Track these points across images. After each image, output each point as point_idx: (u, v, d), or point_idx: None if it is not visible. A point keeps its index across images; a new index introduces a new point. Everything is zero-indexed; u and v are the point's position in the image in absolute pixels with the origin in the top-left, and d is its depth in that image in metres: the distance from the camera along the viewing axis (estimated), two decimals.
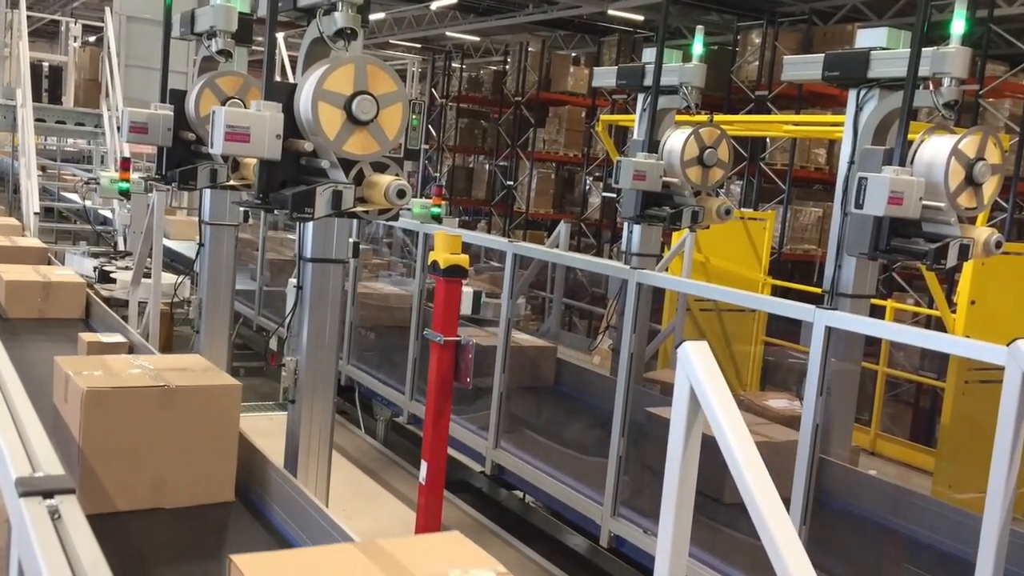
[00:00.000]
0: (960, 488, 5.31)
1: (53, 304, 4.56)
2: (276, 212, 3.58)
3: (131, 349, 3.97)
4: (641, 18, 14.83)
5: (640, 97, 6.45)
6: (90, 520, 1.39)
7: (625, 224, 6.48)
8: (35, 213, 7.97)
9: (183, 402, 2.50)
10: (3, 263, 4.91)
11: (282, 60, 11.39)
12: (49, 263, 5.77)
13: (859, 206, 4.05)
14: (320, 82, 3.28)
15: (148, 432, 2.45)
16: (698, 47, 5.96)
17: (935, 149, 4.17)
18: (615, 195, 8.02)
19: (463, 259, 4.16)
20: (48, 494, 1.45)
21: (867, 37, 4.63)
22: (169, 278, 6.50)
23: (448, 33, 18.55)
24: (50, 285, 4.54)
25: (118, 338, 4.03)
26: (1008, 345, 2.78)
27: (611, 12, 13.61)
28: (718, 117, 6.33)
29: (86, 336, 3.98)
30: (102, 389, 2.43)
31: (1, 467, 1.58)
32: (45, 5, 19.50)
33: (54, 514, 1.40)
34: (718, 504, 4.24)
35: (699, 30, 6.01)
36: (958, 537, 3.97)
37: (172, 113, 4.90)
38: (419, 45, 20.96)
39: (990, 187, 4.24)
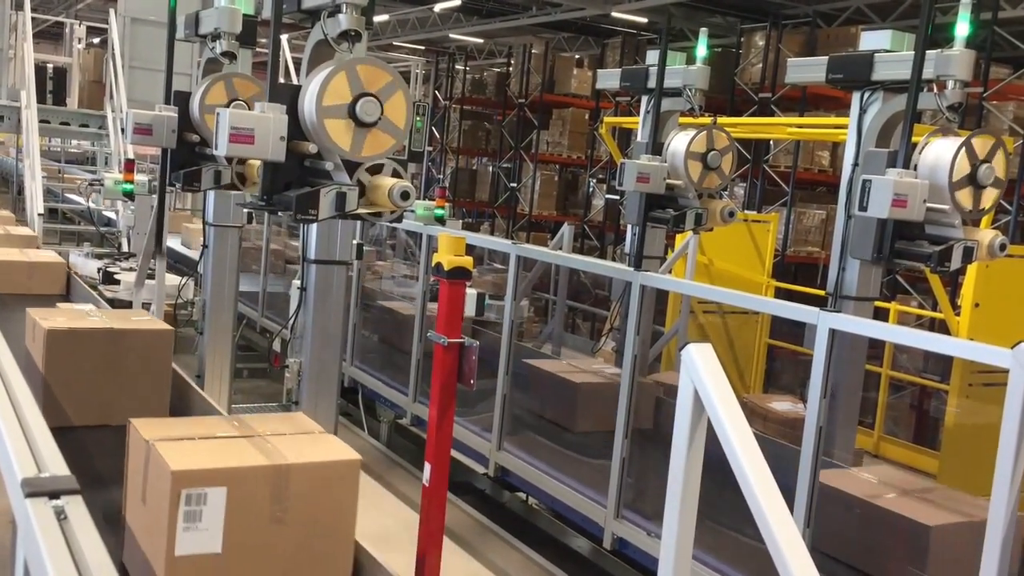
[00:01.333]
0: (964, 490, 5.29)
1: (37, 281, 5.04)
2: (280, 214, 3.59)
3: None
4: (645, 20, 14.84)
5: (644, 99, 6.45)
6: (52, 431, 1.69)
7: (628, 226, 6.48)
8: (39, 214, 7.99)
9: (125, 342, 3.10)
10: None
11: (286, 62, 11.41)
12: (68, 284, 5.91)
13: (863, 208, 4.05)
14: (319, 101, 3.28)
15: (93, 360, 3.04)
16: (702, 49, 5.95)
17: (939, 151, 4.16)
18: (618, 197, 8.03)
19: (467, 261, 4.16)
20: (54, 495, 1.45)
21: (871, 39, 4.62)
22: (173, 279, 6.51)
23: (452, 35, 18.57)
24: (34, 265, 5.06)
25: (89, 306, 4.20)
26: (1012, 348, 2.78)
27: (615, 14, 13.62)
28: (722, 119, 6.33)
29: (63, 305, 4.15)
30: (61, 330, 3.05)
31: (7, 468, 1.58)
32: (50, 7, 19.54)
33: (60, 515, 1.41)
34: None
35: (703, 32, 6.01)
36: None
37: (176, 115, 4.91)
38: (423, 47, 20.98)
39: (991, 192, 4.24)
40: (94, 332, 3.07)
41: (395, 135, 3.40)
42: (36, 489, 1.46)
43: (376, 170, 3.50)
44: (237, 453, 2.18)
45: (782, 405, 5.66)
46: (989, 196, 4.23)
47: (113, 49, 10.04)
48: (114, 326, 3.19)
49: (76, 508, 1.42)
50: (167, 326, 3.47)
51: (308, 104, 3.38)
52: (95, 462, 2.68)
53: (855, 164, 4.60)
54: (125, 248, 8.85)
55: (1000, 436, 2.78)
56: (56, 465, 1.58)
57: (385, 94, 3.36)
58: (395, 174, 3.52)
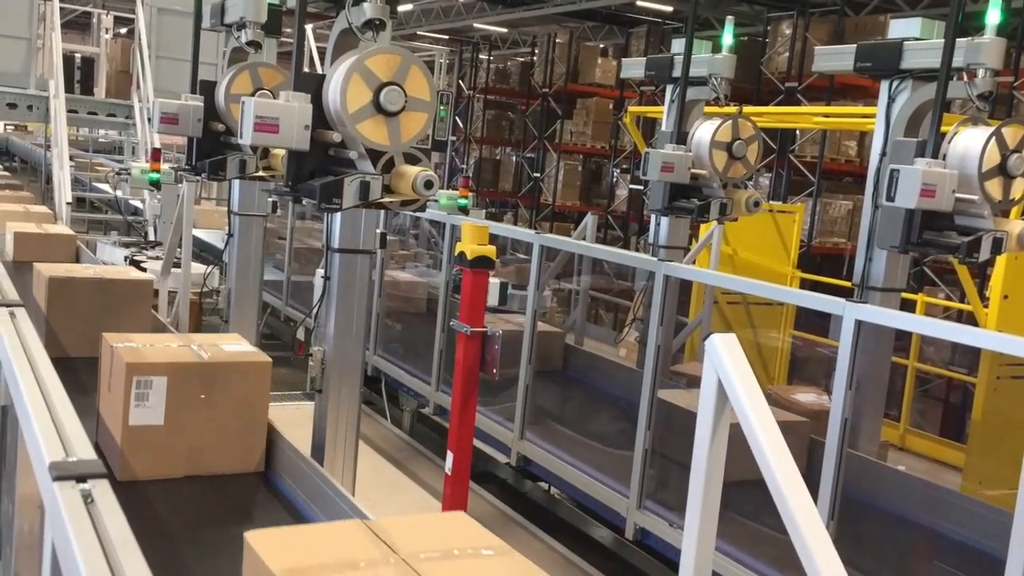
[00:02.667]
0: (991, 485, 5.24)
1: (50, 252, 5.64)
2: (304, 202, 3.60)
3: None
4: (670, 9, 14.74)
5: (668, 88, 6.41)
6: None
7: (652, 216, 6.45)
8: (67, 203, 8.07)
9: (114, 289, 3.86)
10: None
11: (311, 51, 11.43)
12: (77, 254, 6.06)
13: (891, 198, 4.01)
14: (363, 57, 3.28)
15: (86, 304, 3.74)
16: (728, 38, 5.91)
17: (969, 140, 4.11)
18: (642, 187, 8.00)
19: (490, 250, 4.16)
20: (81, 478, 1.47)
21: (900, 27, 4.57)
22: (199, 268, 6.56)
23: (476, 24, 18.54)
24: (48, 236, 5.81)
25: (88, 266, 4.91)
26: None
27: (639, 3, 13.54)
28: (748, 109, 6.27)
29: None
30: (60, 278, 3.81)
31: (35, 452, 1.60)
32: None
33: (87, 498, 1.42)
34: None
35: (729, 21, 5.96)
36: (988, 534, 3.93)
37: (202, 104, 4.93)
38: (447, 36, 20.97)
39: (1022, 182, 4.18)
40: (88, 280, 3.87)
41: (393, 139, 3.39)
42: (63, 473, 1.48)
43: (402, 159, 3.50)
44: (177, 354, 2.89)
45: (806, 397, 5.62)
46: (1020, 186, 4.17)
47: (140, 39, 10.10)
48: (106, 276, 3.96)
49: (102, 491, 1.44)
50: (149, 277, 4.33)
51: (332, 94, 3.38)
52: (83, 378, 3.23)
53: (883, 153, 4.56)
54: (152, 237, 8.92)
55: None
56: (83, 449, 1.60)
57: (401, 76, 3.35)
58: (420, 164, 3.52)
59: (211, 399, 2.79)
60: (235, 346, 3.05)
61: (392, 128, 3.35)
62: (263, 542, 1.55)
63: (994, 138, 4.06)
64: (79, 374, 3.46)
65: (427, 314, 7.06)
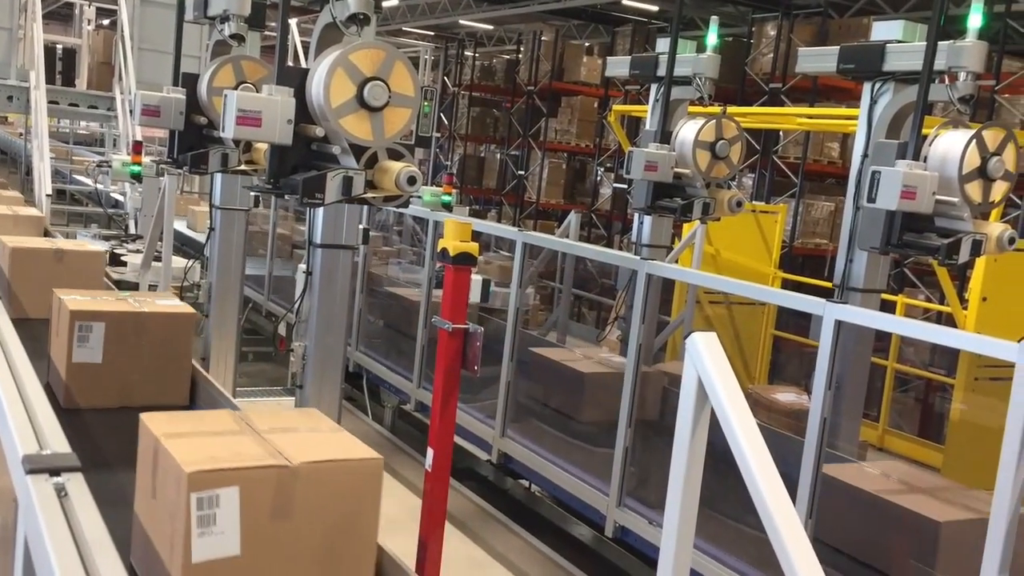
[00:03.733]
0: (968, 485, 5.28)
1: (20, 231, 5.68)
2: (286, 197, 3.58)
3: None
4: (655, 8, 14.77)
5: (653, 88, 6.42)
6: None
7: (635, 215, 6.46)
8: (47, 195, 8.00)
9: (68, 258, 4.11)
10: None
11: (295, 45, 11.39)
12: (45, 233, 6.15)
13: (871, 200, 4.03)
14: (347, 52, 3.27)
15: (45, 272, 3.99)
16: (712, 38, 5.93)
17: (949, 143, 4.14)
18: (626, 186, 8.00)
19: (473, 247, 4.15)
20: (55, 472, 1.45)
21: (883, 30, 4.59)
22: (180, 262, 6.52)
23: (461, 21, 18.51)
24: (17, 217, 5.76)
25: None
26: (1019, 342, 2.77)
27: (625, 2, 13.57)
28: (731, 109, 6.29)
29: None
30: (22, 248, 4.05)
31: (8, 444, 1.58)
32: None
33: (60, 492, 1.41)
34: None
35: (713, 21, 5.98)
36: None
37: (184, 97, 4.90)
38: (432, 33, 20.93)
39: (1001, 185, 4.21)
40: (45, 251, 4.18)
41: (376, 134, 3.38)
42: (37, 466, 1.47)
43: (384, 155, 3.49)
44: (115, 305, 3.21)
45: (787, 396, 5.65)
46: (999, 189, 4.20)
47: (122, 30, 10.03)
48: (63, 248, 4.28)
49: (76, 485, 1.43)
50: (100, 247, 4.74)
51: (316, 88, 3.37)
52: (43, 346, 3.38)
53: (865, 155, 4.58)
54: (132, 230, 8.86)
55: (1005, 430, 2.77)
56: (57, 442, 1.58)
57: (385, 71, 3.35)
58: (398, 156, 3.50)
59: (141, 342, 3.19)
60: (166, 301, 3.46)
61: (375, 123, 3.35)
62: (153, 419, 2.00)
63: (974, 141, 4.08)
64: (35, 330, 3.85)
65: (409, 312, 7.05)
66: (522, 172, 16.43)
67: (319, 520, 2.02)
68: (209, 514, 1.93)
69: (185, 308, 3.38)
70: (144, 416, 2.01)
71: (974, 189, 4.12)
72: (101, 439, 2.90)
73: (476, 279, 7.25)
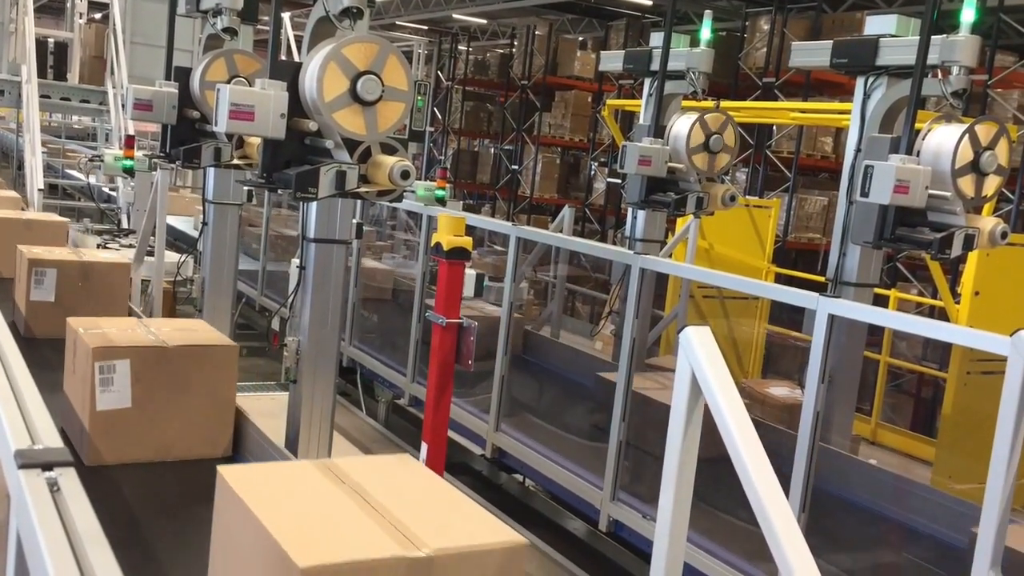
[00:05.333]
0: (960, 478, 5.30)
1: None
2: (280, 192, 3.57)
3: None
4: (649, 2, 14.76)
5: (647, 82, 6.42)
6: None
7: (629, 209, 6.47)
8: (39, 189, 7.97)
9: (37, 227, 4.48)
10: None
11: (287, 39, 11.35)
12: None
13: (865, 194, 4.04)
14: (340, 46, 3.25)
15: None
16: (706, 32, 5.92)
17: (942, 138, 4.15)
18: (620, 180, 8.00)
19: (467, 241, 4.15)
20: (47, 466, 1.45)
21: (876, 24, 4.60)
22: (172, 256, 6.50)
23: (455, 15, 18.47)
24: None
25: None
26: (1011, 336, 2.78)
27: None
28: (725, 103, 6.30)
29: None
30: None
31: (0, 439, 1.58)
32: None
33: (53, 486, 1.41)
34: None
35: (707, 15, 5.98)
36: (957, 527, 3.98)
37: (177, 91, 4.88)
38: (426, 27, 20.88)
39: (993, 180, 4.22)
40: (13, 220, 4.57)
41: (370, 128, 3.38)
42: (29, 461, 1.46)
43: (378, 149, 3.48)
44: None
45: (780, 390, 5.66)
46: (991, 184, 4.21)
47: (114, 24, 9.99)
48: (33, 218, 4.80)
49: (69, 480, 1.42)
50: (62, 219, 5.22)
51: (309, 82, 3.36)
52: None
53: (858, 150, 4.59)
54: (124, 224, 8.84)
55: (997, 424, 2.78)
56: (49, 437, 1.58)
57: (379, 65, 3.33)
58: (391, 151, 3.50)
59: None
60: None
61: (369, 117, 3.34)
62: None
63: (967, 135, 4.09)
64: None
65: (403, 305, 7.04)
66: (516, 167, 16.41)
67: None
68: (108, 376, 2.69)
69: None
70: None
71: (967, 183, 4.14)
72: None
73: (470, 274, 7.25)
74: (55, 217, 5.29)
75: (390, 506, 1.75)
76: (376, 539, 1.62)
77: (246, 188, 5.00)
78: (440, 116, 18.17)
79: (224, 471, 1.82)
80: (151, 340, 2.96)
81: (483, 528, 1.75)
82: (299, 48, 4.75)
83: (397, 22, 20.00)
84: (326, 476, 1.87)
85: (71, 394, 2.99)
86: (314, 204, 3.75)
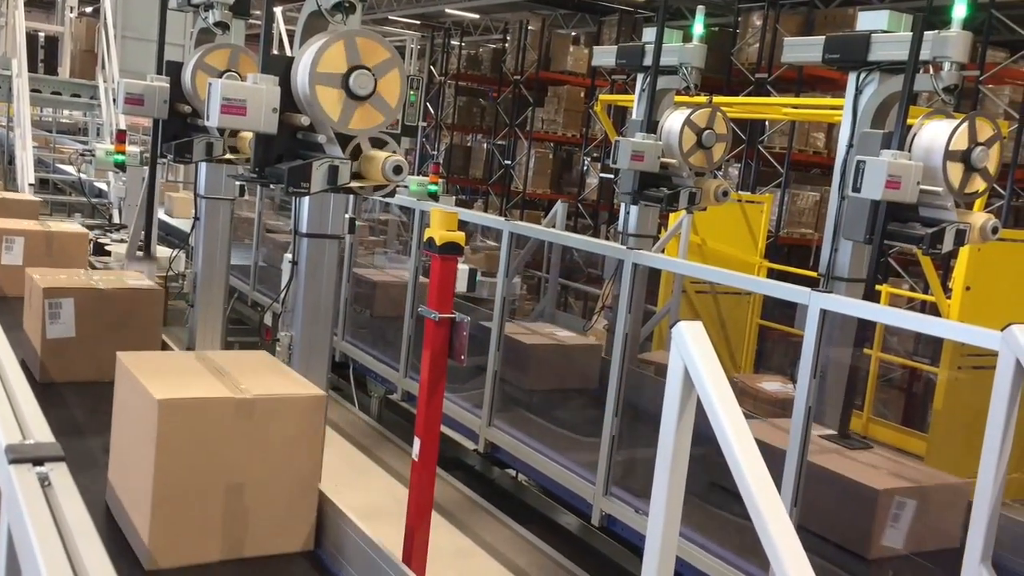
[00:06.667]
0: (951, 472, 5.32)
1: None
2: (272, 186, 3.57)
3: None
4: None
5: (639, 77, 6.42)
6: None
7: (622, 205, 6.47)
8: (30, 184, 7.94)
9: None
10: None
11: (279, 33, 11.31)
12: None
13: (856, 190, 4.04)
14: (314, 66, 3.25)
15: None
16: (699, 28, 5.93)
17: (934, 133, 4.15)
18: (613, 176, 8.01)
19: (459, 236, 4.14)
20: (38, 461, 1.44)
21: (868, 20, 4.60)
22: (164, 252, 6.48)
23: (447, 10, 18.44)
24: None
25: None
26: (1002, 330, 2.78)
27: None
28: (717, 99, 6.30)
29: None
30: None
31: None
32: None
33: (44, 481, 1.40)
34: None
35: (700, 11, 5.98)
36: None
37: (168, 85, 4.87)
38: (418, 22, 20.83)
39: (980, 178, 4.23)
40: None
41: (385, 112, 3.37)
42: (20, 456, 1.46)
43: (370, 144, 3.48)
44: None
45: (772, 385, 5.67)
46: (977, 182, 4.21)
47: (105, 18, 9.94)
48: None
49: (60, 475, 1.42)
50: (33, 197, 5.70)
51: (301, 75, 3.35)
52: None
53: (850, 145, 4.59)
54: (116, 219, 8.81)
55: (988, 418, 2.79)
56: (40, 432, 1.57)
57: (381, 71, 3.33)
58: (388, 148, 3.49)
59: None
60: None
61: (347, 109, 3.33)
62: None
63: (966, 124, 4.10)
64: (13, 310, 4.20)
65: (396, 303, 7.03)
66: (509, 162, 16.40)
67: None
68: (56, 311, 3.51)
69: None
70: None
71: (955, 171, 4.13)
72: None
73: (463, 269, 7.25)
74: (31, 196, 5.51)
75: (235, 374, 2.62)
76: (217, 389, 2.52)
77: (238, 183, 4.99)
78: (433, 111, 18.14)
79: (122, 356, 2.67)
80: (91, 283, 3.83)
81: (298, 386, 2.67)
82: (291, 43, 4.74)
83: (390, 17, 19.95)
84: (198, 359, 2.78)
85: (28, 328, 3.78)
86: (306, 199, 3.74)
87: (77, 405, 3.48)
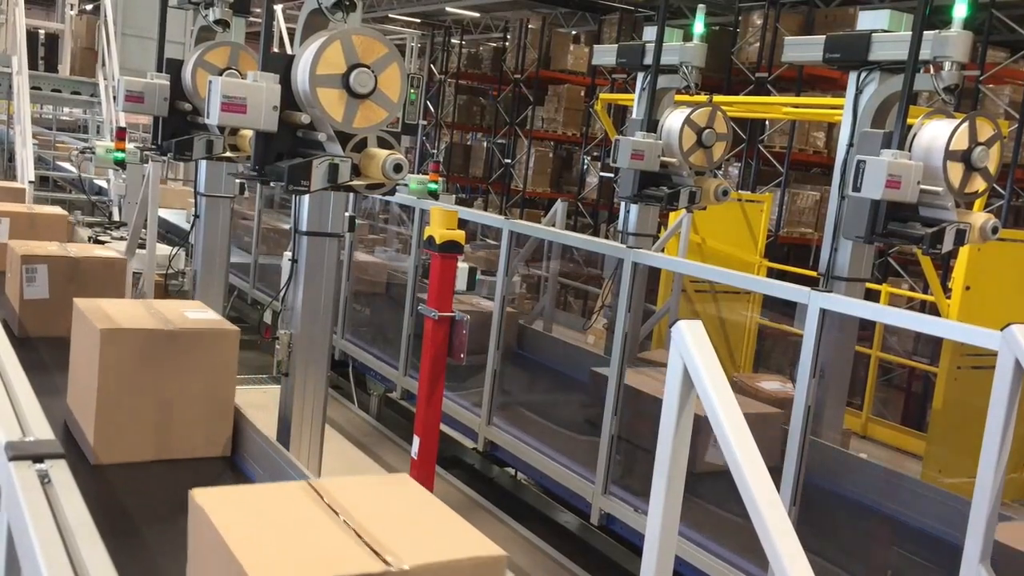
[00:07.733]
0: (950, 472, 5.33)
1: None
2: (272, 184, 3.56)
3: None
4: None
5: (640, 76, 6.42)
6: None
7: (622, 204, 6.47)
8: (30, 182, 7.92)
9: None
10: None
11: (280, 31, 11.30)
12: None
13: (856, 189, 4.04)
14: (313, 70, 3.24)
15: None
16: (699, 27, 5.92)
17: (934, 132, 4.15)
18: (613, 175, 8.01)
19: (459, 235, 4.15)
20: (38, 458, 1.44)
21: (868, 19, 4.60)
22: (164, 249, 6.48)
23: (448, 8, 18.43)
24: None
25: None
26: (1001, 330, 2.79)
27: None
28: (717, 98, 6.29)
29: None
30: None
31: None
32: None
33: (44, 478, 1.40)
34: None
35: (700, 10, 5.97)
36: (947, 521, 4.00)
37: (168, 83, 4.86)
38: (418, 20, 20.82)
39: (979, 177, 4.23)
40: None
41: (388, 108, 3.37)
42: (20, 453, 1.46)
43: (370, 142, 3.47)
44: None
45: (771, 384, 5.67)
46: (977, 182, 4.22)
47: (106, 16, 9.93)
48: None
49: (60, 472, 1.42)
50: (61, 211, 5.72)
51: (301, 74, 3.35)
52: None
53: (850, 145, 4.60)
54: (116, 217, 8.80)
55: (987, 418, 2.79)
56: (40, 429, 1.57)
57: (380, 67, 3.32)
58: (385, 145, 3.49)
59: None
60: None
61: (350, 108, 3.31)
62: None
63: (966, 124, 4.10)
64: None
65: (396, 299, 7.04)
66: (508, 160, 16.40)
67: None
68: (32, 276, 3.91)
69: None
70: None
71: (955, 170, 4.13)
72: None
73: (462, 267, 7.24)
74: (58, 210, 5.71)
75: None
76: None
77: (238, 181, 4.99)
78: (433, 109, 18.14)
79: (78, 302, 2.95)
80: (64, 252, 4.23)
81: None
82: (291, 41, 4.74)
83: (390, 15, 19.94)
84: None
85: (9, 292, 4.18)
86: (306, 197, 3.74)
87: (47, 353, 3.92)
